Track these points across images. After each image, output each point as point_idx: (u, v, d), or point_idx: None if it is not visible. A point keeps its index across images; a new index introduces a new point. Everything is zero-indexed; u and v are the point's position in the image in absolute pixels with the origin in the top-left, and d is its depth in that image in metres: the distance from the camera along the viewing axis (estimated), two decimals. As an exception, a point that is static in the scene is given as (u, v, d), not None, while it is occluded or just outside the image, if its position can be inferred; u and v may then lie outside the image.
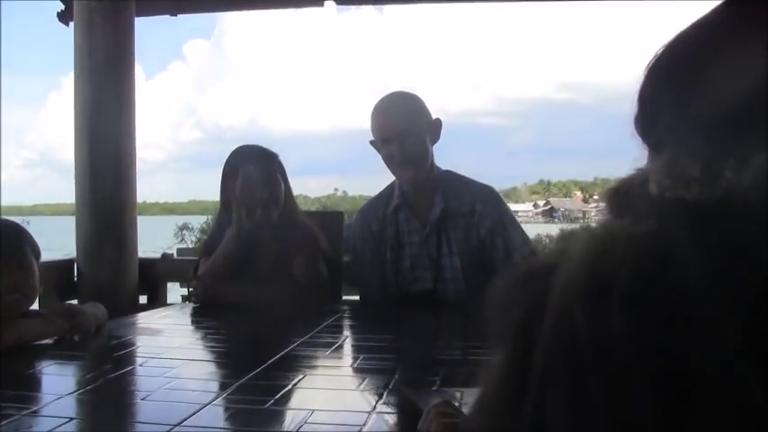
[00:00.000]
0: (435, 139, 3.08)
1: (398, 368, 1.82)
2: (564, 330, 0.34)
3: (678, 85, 0.63)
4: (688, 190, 0.34)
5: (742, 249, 0.31)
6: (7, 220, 2.34)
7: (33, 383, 1.75)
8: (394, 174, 3.09)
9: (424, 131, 3.01)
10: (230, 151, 3.16)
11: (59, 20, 4.27)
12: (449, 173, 3.14)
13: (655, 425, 0.31)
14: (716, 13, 0.62)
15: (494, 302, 0.39)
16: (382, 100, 3.09)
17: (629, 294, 0.32)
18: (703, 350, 0.30)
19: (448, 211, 3.02)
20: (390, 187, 3.18)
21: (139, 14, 4.10)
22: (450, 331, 2.59)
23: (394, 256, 3.08)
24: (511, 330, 0.37)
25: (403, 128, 2.98)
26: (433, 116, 3.09)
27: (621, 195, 0.38)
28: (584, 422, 0.32)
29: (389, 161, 3.03)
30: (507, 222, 3.04)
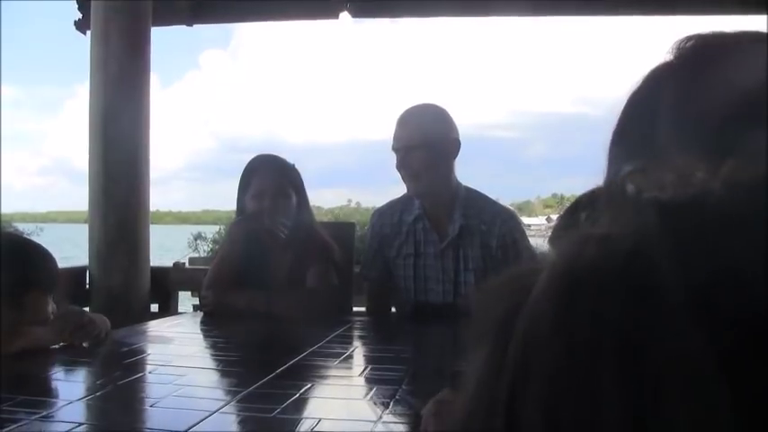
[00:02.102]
0: (450, 155, 3.08)
1: (406, 379, 1.83)
2: (532, 327, 0.35)
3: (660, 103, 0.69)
4: (662, 191, 0.36)
5: (713, 247, 0.32)
6: (38, 246, 2.30)
7: (44, 388, 1.76)
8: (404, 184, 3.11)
9: (435, 146, 3.00)
10: (245, 161, 3.19)
11: (76, 28, 4.31)
12: (470, 190, 3.14)
13: (622, 418, 0.32)
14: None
15: (478, 303, 0.40)
16: (404, 111, 3.11)
17: (594, 293, 0.33)
18: (668, 344, 0.31)
19: (467, 228, 3.02)
20: (408, 195, 3.18)
21: (156, 24, 4.13)
22: (459, 345, 2.58)
23: (409, 264, 3.10)
24: (490, 329, 0.38)
25: (411, 141, 3.00)
26: (456, 133, 3.09)
27: (591, 203, 0.39)
28: (553, 417, 0.33)
29: (398, 171, 3.06)
30: (527, 246, 3.05)
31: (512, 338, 0.36)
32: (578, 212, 0.41)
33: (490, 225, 3.01)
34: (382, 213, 3.25)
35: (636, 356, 0.32)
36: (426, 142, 2.99)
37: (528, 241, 3.13)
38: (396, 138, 3.05)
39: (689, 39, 0.71)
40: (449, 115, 3.13)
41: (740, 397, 0.31)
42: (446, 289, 3.05)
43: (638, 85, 0.73)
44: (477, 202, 3.09)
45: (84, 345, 2.18)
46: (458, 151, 3.09)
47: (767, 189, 0.34)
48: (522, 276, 0.38)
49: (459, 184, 3.12)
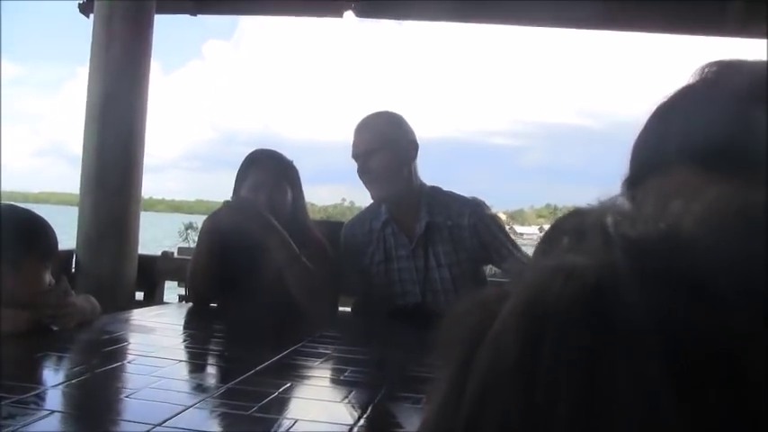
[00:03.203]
0: (409, 157, 3.11)
1: (385, 383, 1.81)
2: (496, 355, 0.35)
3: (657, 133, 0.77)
4: (633, 226, 0.36)
5: (681, 283, 0.32)
6: (38, 217, 2.30)
7: (19, 373, 1.73)
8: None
9: (393, 149, 3.06)
10: (243, 153, 3.20)
11: (80, 11, 4.29)
12: (435, 189, 3.19)
13: None
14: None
15: (445, 327, 0.40)
16: (360, 119, 3.18)
17: (561, 324, 0.33)
18: (629, 381, 0.31)
19: (434, 225, 3.06)
20: (376, 204, 3.23)
21: (160, 12, 4.11)
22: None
23: (382, 270, 3.13)
24: (454, 354, 0.38)
25: (369, 146, 3.07)
26: (413, 135, 3.16)
27: (569, 230, 0.39)
28: None
29: (360, 178, 3.12)
30: (497, 230, 3.11)
31: (473, 368, 0.35)
32: (559, 236, 0.40)
33: (458, 219, 3.06)
34: (352, 225, 3.32)
35: (594, 402, 0.31)
36: (383, 146, 3.05)
37: (501, 225, 3.22)
38: (354, 145, 3.12)
39: (713, 64, 0.78)
40: (404, 119, 3.21)
41: None
42: (422, 288, 3.08)
43: (663, 101, 0.80)
44: (442, 199, 3.13)
45: (54, 328, 2.14)
46: (416, 153, 3.14)
47: (739, 227, 0.34)
48: (489, 302, 0.37)
49: (422, 184, 3.17)
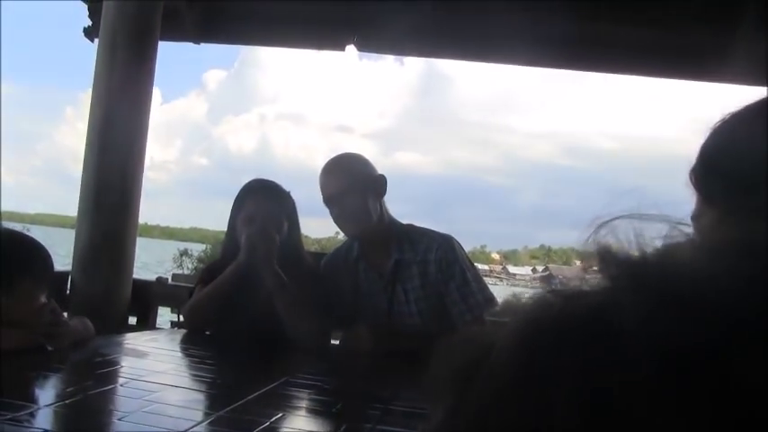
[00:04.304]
0: (378, 194, 3.16)
1: (376, 417, 1.81)
2: (493, 377, 0.36)
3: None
4: (632, 251, 0.37)
5: (674, 300, 0.33)
6: (34, 240, 2.32)
7: (13, 391, 1.74)
8: (341, 230, 3.26)
9: (363, 189, 3.10)
10: (237, 181, 3.21)
11: (85, 35, 4.33)
12: (408, 226, 3.24)
13: None
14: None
15: (440, 358, 0.41)
16: (325, 164, 3.23)
17: (554, 351, 0.34)
18: (627, 395, 0.32)
19: (403, 261, 3.10)
20: (350, 240, 3.30)
21: (164, 38, 4.14)
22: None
23: (355, 304, 3.18)
24: (450, 380, 0.39)
25: (340, 189, 3.10)
26: (379, 172, 3.21)
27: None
28: None
29: (334, 220, 3.17)
30: (462, 269, 3.10)
31: (471, 389, 0.36)
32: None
33: (425, 254, 3.09)
34: (328, 261, 3.37)
35: (590, 419, 0.32)
36: (352, 186, 3.10)
37: (467, 263, 3.18)
38: (322, 190, 3.16)
39: None
40: (366, 159, 3.27)
41: None
42: (393, 322, 3.10)
43: (748, 104, 0.90)
44: (412, 236, 3.17)
45: (49, 348, 2.17)
46: (384, 188, 3.19)
47: (735, 253, 0.36)
48: (484, 333, 0.39)
49: (393, 220, 3.22)
